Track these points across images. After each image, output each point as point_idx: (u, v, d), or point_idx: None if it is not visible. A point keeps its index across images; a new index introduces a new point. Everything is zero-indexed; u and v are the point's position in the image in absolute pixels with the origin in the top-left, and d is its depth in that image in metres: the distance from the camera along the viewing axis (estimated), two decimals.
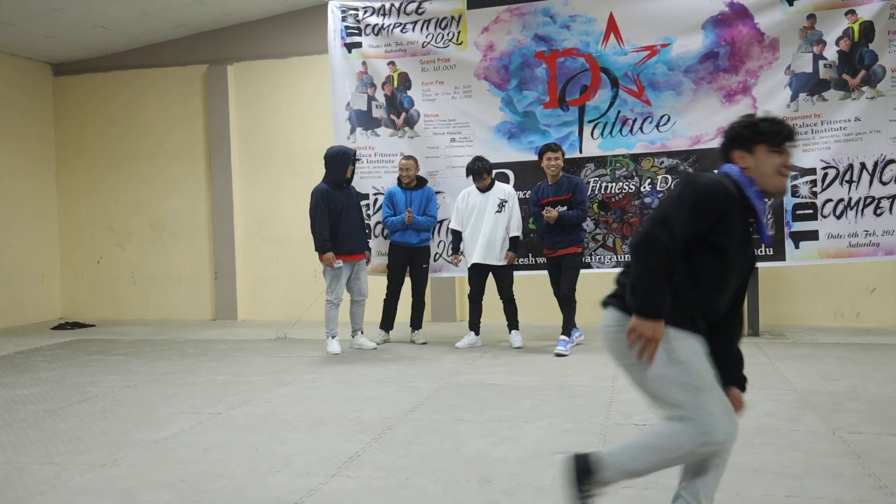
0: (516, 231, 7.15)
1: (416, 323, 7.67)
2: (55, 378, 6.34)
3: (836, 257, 6.98)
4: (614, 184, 7.30)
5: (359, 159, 7.31)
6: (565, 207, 6.75)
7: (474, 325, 7.34)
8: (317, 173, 9.38)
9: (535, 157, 7.23)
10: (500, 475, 3.63)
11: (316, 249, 7.09)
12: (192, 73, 10.20)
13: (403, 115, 7.79)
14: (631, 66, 7.23)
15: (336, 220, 7.08)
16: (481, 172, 7.10)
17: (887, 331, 7.68)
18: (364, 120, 7.88)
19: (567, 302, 6.85)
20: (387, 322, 7.70)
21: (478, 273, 7.22)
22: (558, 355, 6.63)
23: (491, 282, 7.25)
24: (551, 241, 6.87)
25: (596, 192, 7.34)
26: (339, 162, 7.12)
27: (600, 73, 7.30)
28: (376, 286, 7.75)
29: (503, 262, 7.11)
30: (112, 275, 10.63)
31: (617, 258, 7.32)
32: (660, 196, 7.23)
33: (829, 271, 7.99)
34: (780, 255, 7.02)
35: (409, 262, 7.54)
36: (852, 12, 6.78)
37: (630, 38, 7.22)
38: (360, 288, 7.33)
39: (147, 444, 4.30)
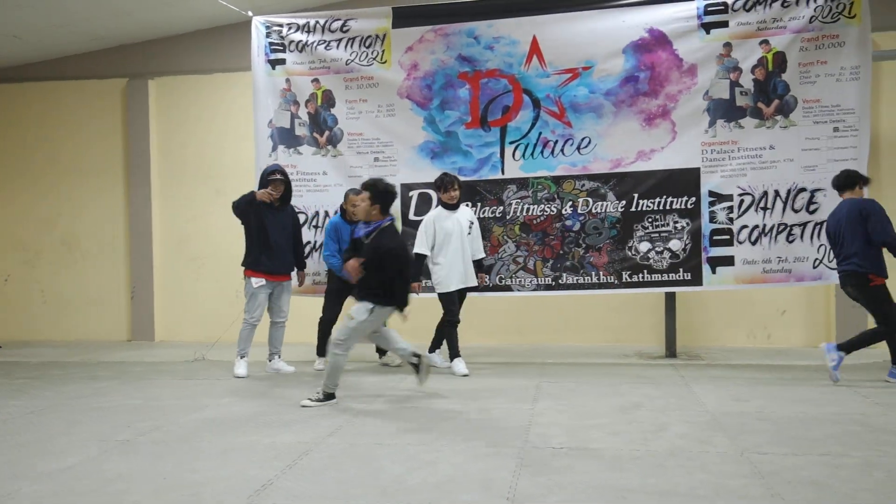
0: (483, 253, 7.14)
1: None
2: None
3: (750, 283, 7.15)
4: (536, 206, 7.35)
5: (274, 178, 6.94)
6: None
7: (456, 349, 6.95)
8: (239, 191, 9.20)
9: (462, 178, 7.30)
10: (417, 501, 3.57)
11: None
12: (111, 87, 9.93)
13: (327, 133, 7.71)
14: (553, 88, 7.32)
15: (256, 236, 6.95)
16: (453, 183, 6.86)
17: (796, 352, 7.92)
18: (286, 138, 7.77)
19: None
20: (324, 347, 7.41)
21: (456, 297, 6.94)
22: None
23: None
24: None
25: (518, 215, 7.38)
26: (260, 180, 7.06)
27: (522, 95, 7.37)
28: (310, 309, 7.54)
29: (475, 284, 7.06)
30: (20, 294, 10.21)
31: (538, 281, 7.36)
32: (581, 219, 7.31)
33: (742, 294, 8.20)
34: (697, 280, 7.15)
35: (350, 287, 7.24)
36: (766, 42, 7.01)
37: (552, 60, 7.31)
38: (280, 309, 7.12)
39: (45, 476, 4.08)
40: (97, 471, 4.15)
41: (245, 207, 6.90)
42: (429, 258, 6.94)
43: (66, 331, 10.10)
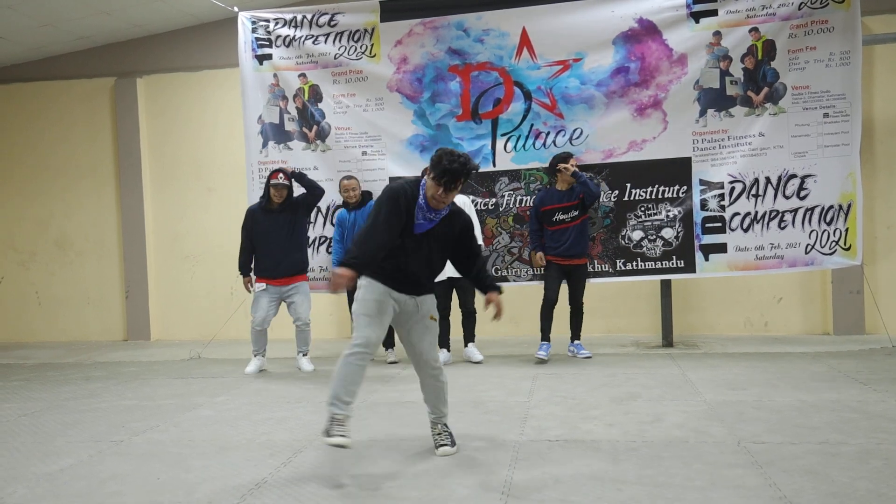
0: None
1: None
2: None
3: (743, 270, 7.15)
4: (529, 197, 7.33)
5: (278, 183, 6.86)
6: (577, 213, 6.92)
7: (445, 342, 7.03)
8: (231, 188, 9.25)
9: None
10: (409, 498, 3.56)
11: None
12: (99, 86, 9.88)
13: (315, 128, 7.67)
14: (544, 80, 7.30)
15: (259, 242, 6.90)
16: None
17: (793, 339, 7.92)
18: (276, 133, 7.74)
19: (579, 312, 7.13)
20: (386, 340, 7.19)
21: (442, 289, 6.76)
22: (586, 357, 7.07)
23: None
24: (565, 250, 6.90)
25: (511, 206, 7.37)
26: (265, 184, 6.98)
27: (514, 87, 7.34)
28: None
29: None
30: (15, 295, 10.18)
31: (533, 271, 7.35)
32: None
33: (739, 282, 8.21)
34: (690, 267, 7.16)
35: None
36: (755, 30, 6.99)
37: (543, 52, 7.29)
38: (298, 313, 6.96)
39: (39, 478, 4.07)
40: (91, 472, 4.13)
41: None
42: None
43: (61, 332, 10.07)
